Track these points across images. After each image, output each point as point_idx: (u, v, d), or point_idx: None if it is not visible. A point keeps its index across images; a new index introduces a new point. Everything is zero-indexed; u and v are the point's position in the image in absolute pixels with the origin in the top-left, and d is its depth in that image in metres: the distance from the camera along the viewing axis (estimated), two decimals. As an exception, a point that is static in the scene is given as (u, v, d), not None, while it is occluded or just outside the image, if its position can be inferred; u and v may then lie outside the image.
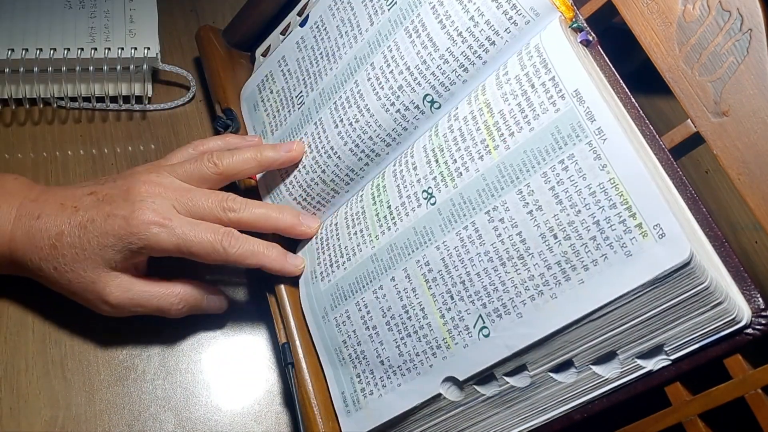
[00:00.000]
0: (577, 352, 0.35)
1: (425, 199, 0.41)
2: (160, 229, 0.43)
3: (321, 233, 0.49)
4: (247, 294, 0.52)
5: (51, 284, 0.45)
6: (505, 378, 0.38)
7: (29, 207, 0.44)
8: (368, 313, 0.43)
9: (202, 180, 0.46)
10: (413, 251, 0.41)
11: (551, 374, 0.37)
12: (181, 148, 0.51)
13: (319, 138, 0.48)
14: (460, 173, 0.40)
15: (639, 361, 0.35)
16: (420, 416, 0.41)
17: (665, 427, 0.35)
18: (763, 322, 0.33)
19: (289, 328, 0.47)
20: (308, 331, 0.47)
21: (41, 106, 0.56)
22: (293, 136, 0.50)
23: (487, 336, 0.38)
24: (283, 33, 0.55)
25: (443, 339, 0.40)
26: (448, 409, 0.40)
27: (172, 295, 0.46)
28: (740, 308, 0.33)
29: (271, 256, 0.46)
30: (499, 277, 0.38)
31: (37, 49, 0.53)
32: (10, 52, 0.53)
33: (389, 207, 0.44)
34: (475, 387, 0.39)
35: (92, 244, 0.43)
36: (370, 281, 0.43)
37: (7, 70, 0.53)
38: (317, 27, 0.51)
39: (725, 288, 0.33)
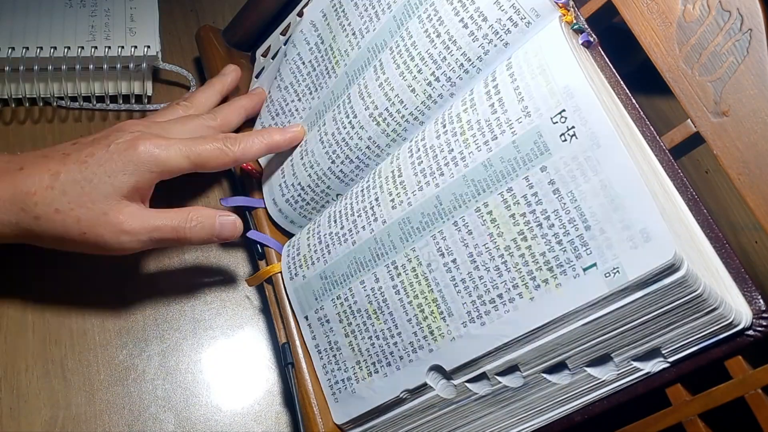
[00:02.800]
0: (569, 354, 0.35)
1: (417, 191, 0.41)
2: (167, 144, 0.43)
3: (309, 226, 0.49)
4: (248, 294, 0.52)
5: (52, 233, 0.42)
6: (497, 377, 0.38)
7: (7, 165, 0.42)
8: (355, 303, 0.43)
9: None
10: (403, 243, 0.41)
11: (545, 375, 0.37)
12: (169, 107, 0.52)
13: (325, 137, 0.48)
14: (455, 165, 0.40)
15: (636, 364, 0.35)
16: (412, 412, 0.41)
17: (665, 427, 0.35)
18: (764, 323, 0.33)
19: (289, 328, 0.47)
20: (295, 319, 0.47)
21: (41, 105, 0.56)
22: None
23: (474, 329, 0.38)
24: (283, 33, 0.55)
25: (430, 331, 0.40)
26: (440, 407, 0.40)
27: (185, 213, 0.45)
28: (738, 312, 0.32)
29: (274, 137, 0.49)
30: (489, 275, 0.38)
31: (37, 47, 0.53)
32: (10, 51, 0.53)
33: (377, 200, 0.44)
34: (467, 385, 0.39)
35: (98, 173, 0.41)
36: (357, 272, 0.43)
37: (7, 68, 0.53)
38: (317, 27, 0.51)
39: (720, 294, 0.32)
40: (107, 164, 0.42)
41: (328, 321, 0.45)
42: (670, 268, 0.31)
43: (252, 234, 0.49)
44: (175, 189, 0.52)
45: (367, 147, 0.46)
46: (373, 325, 0.42)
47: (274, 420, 0.48)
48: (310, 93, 0.51)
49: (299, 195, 0.50)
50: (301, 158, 0.49)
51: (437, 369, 0.40)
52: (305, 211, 0.50)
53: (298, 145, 0.50)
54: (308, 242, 0.47)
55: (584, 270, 0.34)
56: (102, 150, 0.42)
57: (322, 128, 0.49)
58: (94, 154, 0.42)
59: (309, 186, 0.49)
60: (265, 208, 0.52)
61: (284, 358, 0.46)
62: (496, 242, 0.37)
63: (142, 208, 0.44)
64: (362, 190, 0.45)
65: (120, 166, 0.42)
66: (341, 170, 0.48)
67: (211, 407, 0.47)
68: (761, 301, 0.33)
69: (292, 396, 0.45)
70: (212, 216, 0.45)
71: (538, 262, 0.36)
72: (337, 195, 0.49)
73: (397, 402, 0.42)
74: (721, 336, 0.33)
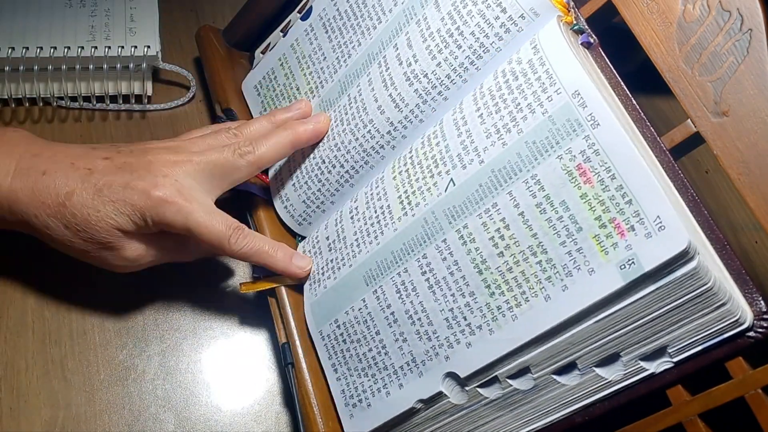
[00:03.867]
0: (580, 354, 0.35)
1: (434, 191, 0.41)
2: (178, 209, 0.43)
3: (319, 239, 0.49)
4: (248, 294, 0.52)
5: (60, 243, 0.44)
6: (508, 381, 0.38)
7: (32, 161, 0.43)
8: (369, 314, 0.43)
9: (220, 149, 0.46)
10: (413, 251, 0.41)
11: (554, 377, 0.37)
12: (211, 129, 0.50)
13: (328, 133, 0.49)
14: (467, 163, 0.40)
15: (642, 363, 0.35)
16: (423, 420, 0.41)
17: (665, 427, 0.35)
18: (765, 325, 0.32)
19: (289, 328, 0.47)
20: (308, 331, 0.47)
21: (41, 105, 0.56)
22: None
23: (490, 334, 0.38)
24: (283, 31, 0.55)
25: (446, 338, 0.40)
26: (451, 413, 0.40)
27: (184, 248, 0.47)
28: (743, 310, 0.33)
29: (276, 256, 0.46)
30: (501, 274, 0.38)
31: (37, 47, 0.53)
32: (10, 51, 0.53)
33: (389, 207, 0.44)
34: (478, 390, 0.39)
35: (107, 208, 0.42)
36: (371, 282, 0.43)
37: (7, 68, 0.53)
38: (320, 19, 0.51)
39: (729, 289, 0.33)
40: (117, 204, 0.42)
41: (342, 333, 0.45)
42: (685, 257, 0.31)
43: None
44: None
45: (383, 133, 0.46)
46: (388, 335, 0.42)
47: (274, 420, 0.48)
48: (320, 77, 0.51)
49: (304, 177, 0.50)
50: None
51: (451, 376, 0.40)
52: (309, 200, 0.50)
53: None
54: (324, 257, 0.47)
55: (599, 264, 0.34)
56: (119, 184, 0.42)
57: (333, 116, 0.49)
58: (111, 185, 0.42)
59: (314, 167, 0.49)
60: (269, 200, 0.52)
61: (284, 358, 0.46)
62: (516, 240, 0.37)
63: (144, 240, 0.44)
64: (378, 194, 0.45)
65: (128, 211, 0.42)
66: (345, 154, 0.47)
67: (211, 407, 0.47)
68: (762, 302, 0.33)
69: (292, 396, 0.45)
70: (205, 249, 0.47)
71: (552, 260, 0.36)
72: (340, 185, 0.48)
73: (412, 413, 0.41)
74: (727, 334, 0.33)
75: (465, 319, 0.39)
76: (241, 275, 0.53)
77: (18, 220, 0.43)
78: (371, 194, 0.46)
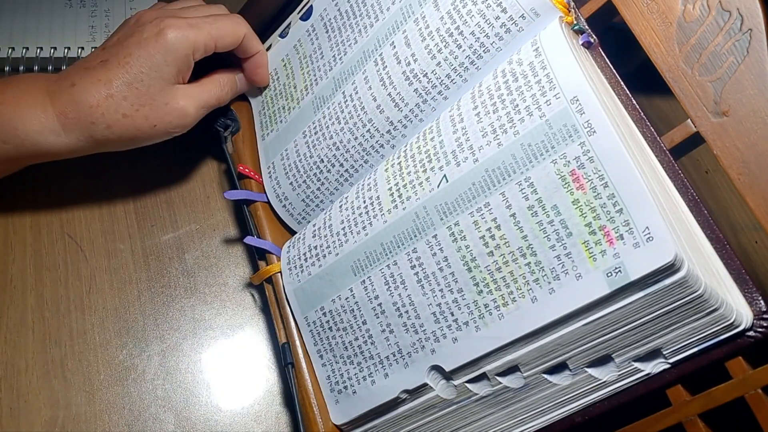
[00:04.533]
0: (570, 355, 0.35)
1: (426, 186, 0.41)
2: (190, 27, 0.46)
3: (308, 227, 0.49)
4: (247, 294, 0.52)
5: (126, 135, 0.46)
6: (497, 378, 0.38)
7: (56, 85, 0.45)
8: (356, 303, 0.43)
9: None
10: (404, 244, 0.41)
11: (545, 376, 0.37)
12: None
13: (322, 131, 0.48)
14: (461, 161, 0.40)
15: (637, 365, 0.35)
16: (413, 412, 0.41)
17: (665, 427, 0.35)
18: (765, 324, 0.33)
19: (289, 328, 0.47)
20: (292, 315, 0.47)
21: (41, 105, 0.56)
22: (296, 129, 0.51)
23: (476, 331, 0.38)
24: (281, 34, 0.55)
25: (432, 332, 0.40)
26: (440, 407, 0.40)
27: (217, 83, 0.50)
28: (739, 312, 0.32)
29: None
30: (490, 273, 0.38)
31: (37, 47, 0.54)
32: (10, 51, 0.53)
33: (378, 198, 0.44)
34: (467, 385, 0.39)
35: (144, 70, 0.45)
36: (360, 272, 0.43)
37: (7, 68, 0.53)
38: (321, 20, 0.51)
39: (721, 294, 0.32)
40: (149, 60, 0.45)
41: (328, 321, 0.45)
42: (671, 269, 0.31)
43: (249, 240, 0.49)
44: (176, 179, 0.52)
45: (377, 132, 0.46)
46: (375, 326, 0.42)
47: (274, 420, 0.48)
48: (316, 74, 0.51)
49: (302, 176, 0.50)
50: (305, 139, 0.50)
51: (437, 369, 0.40)
52: (308, 199, 0.50)
53: (301, 130, 0.50)
54: (307, 243, 0.47)
55: (586, 270, 0.34)
56: (136, 48, 0.45)
57: (327, 113, 0.49)
58: (131, 53, 0.45)
59: (312, 166, 0.49)
60: (267, 201, 0.52)
61: (284, 358, 0.46)
62: (507, 240, 0.37)
63: (189, 87, 0.48)
64: (368, 185, 0.45)
65: (161, 58, 0.45)
66: (344, 153, 0.48)
67: (211, 407, 0.47)
68: (762, 302, 0.33)
69: (292, 396, 0.45)
70: (233, 78, 0.52)
71: (540, 263, 0.36)
72: (340, 184, 0.48)
73: (397, 403, 0.42)
74: (723, 337, 0.33)
75: (452, 315, 0.39)
76: (241, 274, 0.53)
77: (80, 137, 0.44)
78: (361, 185, 0.46)
